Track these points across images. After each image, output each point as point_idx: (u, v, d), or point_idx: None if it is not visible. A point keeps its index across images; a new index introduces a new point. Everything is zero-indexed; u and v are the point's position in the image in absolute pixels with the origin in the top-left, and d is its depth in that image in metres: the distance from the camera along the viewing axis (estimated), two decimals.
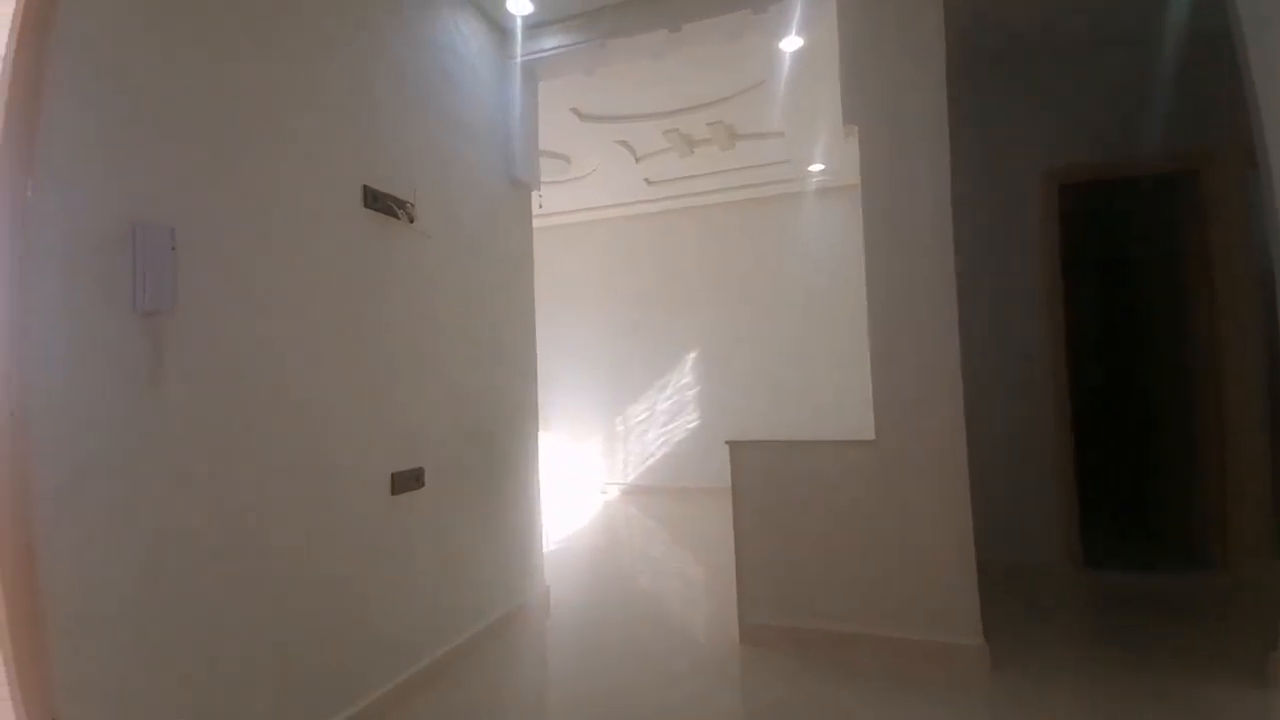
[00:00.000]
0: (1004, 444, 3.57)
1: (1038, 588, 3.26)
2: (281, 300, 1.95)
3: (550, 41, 3.17)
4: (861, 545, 2.59)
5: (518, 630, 2.98)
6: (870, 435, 2.61)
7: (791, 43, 3.39)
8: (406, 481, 2.40)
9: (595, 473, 6.89)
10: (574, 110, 4.39)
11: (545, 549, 3.46)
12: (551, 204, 6.28)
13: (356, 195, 2.26)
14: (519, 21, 3.12)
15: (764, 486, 2.77)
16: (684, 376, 6.65)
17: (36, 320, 1.35)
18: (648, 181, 5.87)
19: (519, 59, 3.22)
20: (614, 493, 6.73)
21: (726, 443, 2.86)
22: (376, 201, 2.32)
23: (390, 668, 2.28)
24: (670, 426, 6.63)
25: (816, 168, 5.57)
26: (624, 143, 5.01)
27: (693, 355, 6.62)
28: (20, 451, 1.26)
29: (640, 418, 6.76)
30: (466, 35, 2.96)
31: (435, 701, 2.31)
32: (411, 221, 2.47)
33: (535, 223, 6.72)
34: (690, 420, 6.61)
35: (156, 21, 1.64)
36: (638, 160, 5.31)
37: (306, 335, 2.03)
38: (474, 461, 2.84)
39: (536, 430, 3.39)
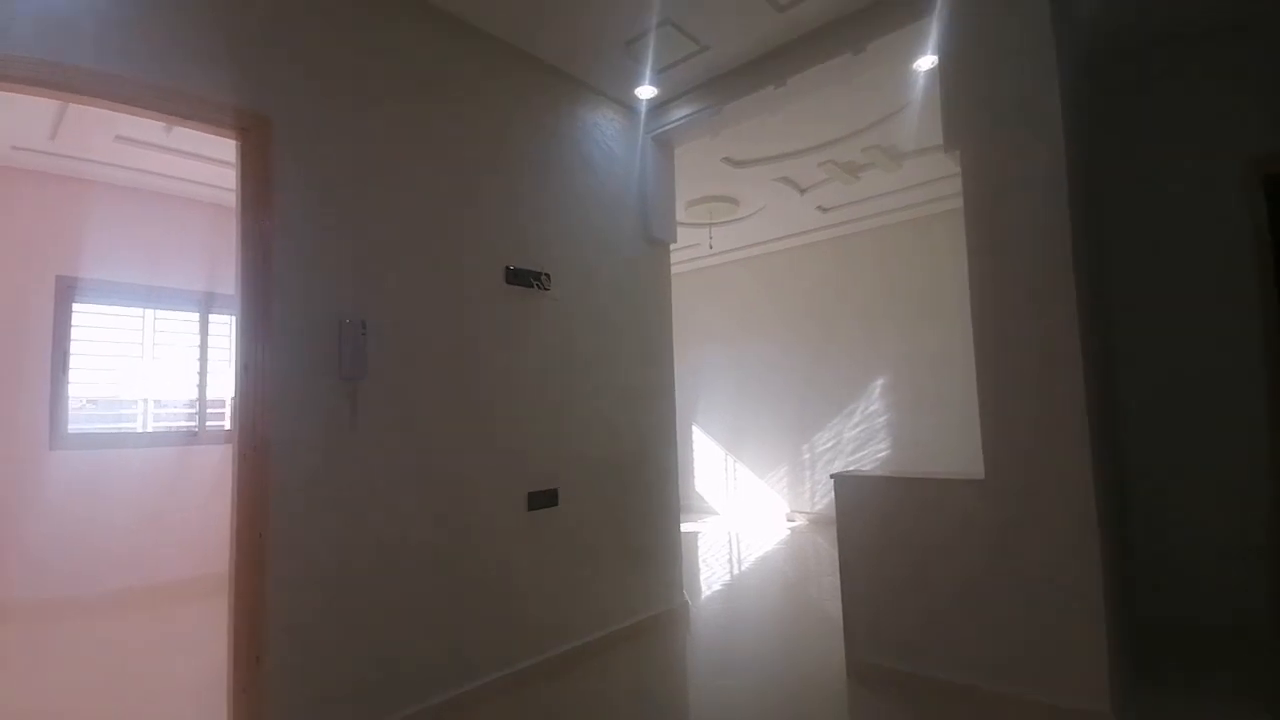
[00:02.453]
0: (1194, 484, 3.00)
1: (1217, 653, 2.69)
2: (439, 362, 2.64)
3: (676, 114, 3.59)
4: (966, 590, 2.47)
5: (647, 635, 3.35)
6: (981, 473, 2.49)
7: (925, 61, 3.32)
8: (541, 499, 2.95)
9: (782, 501, 6.96)
10: (726, 159, 4.72)
11: (706, 569, 3.76)
12: (727, 242, 6.64)
13: (500, 275, 2.91)
14: (644, 105, 3.59)
15: (867, 522, 2.77)
16: (872, 404, 6.43)
17: (274, 385, 2.14)
18: (821, 209, 5.91)
19: (649, 134, 3.69)
20: (800, 521, 6.73)
21: (831, 476, 2.92)
22: (516, 277, 2.95)
23: (526, 648, 2.82)
24: (858, 455, 6.44)
25: None
26: (785, 179, 5.18)
27: (880, 381, 6.38)
28: (260, 472, 2.03)
29: (826, 445, 6.69)
30: (602, 124, 3.52)
31: (564, 683, 2.79)
32: (545, 290, 3.06)
33: (713, 260, 7.16)
34: (880, 449, 6.36)
35: (355, 174, 2.42)
36: (803, 192, 5.42)
37: (458, 387, 2.70)
38: (607, 486, 3.31)
39: (674, 462, 3.75)
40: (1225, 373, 3.04)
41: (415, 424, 2.53)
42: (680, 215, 5.47)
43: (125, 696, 2.85)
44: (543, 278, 3.06)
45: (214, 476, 4.59)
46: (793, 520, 6.81)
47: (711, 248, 6.57)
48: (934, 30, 2.68)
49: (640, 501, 3.50)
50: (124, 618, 3.92)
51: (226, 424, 4.89)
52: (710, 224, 5.89)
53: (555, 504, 3.02)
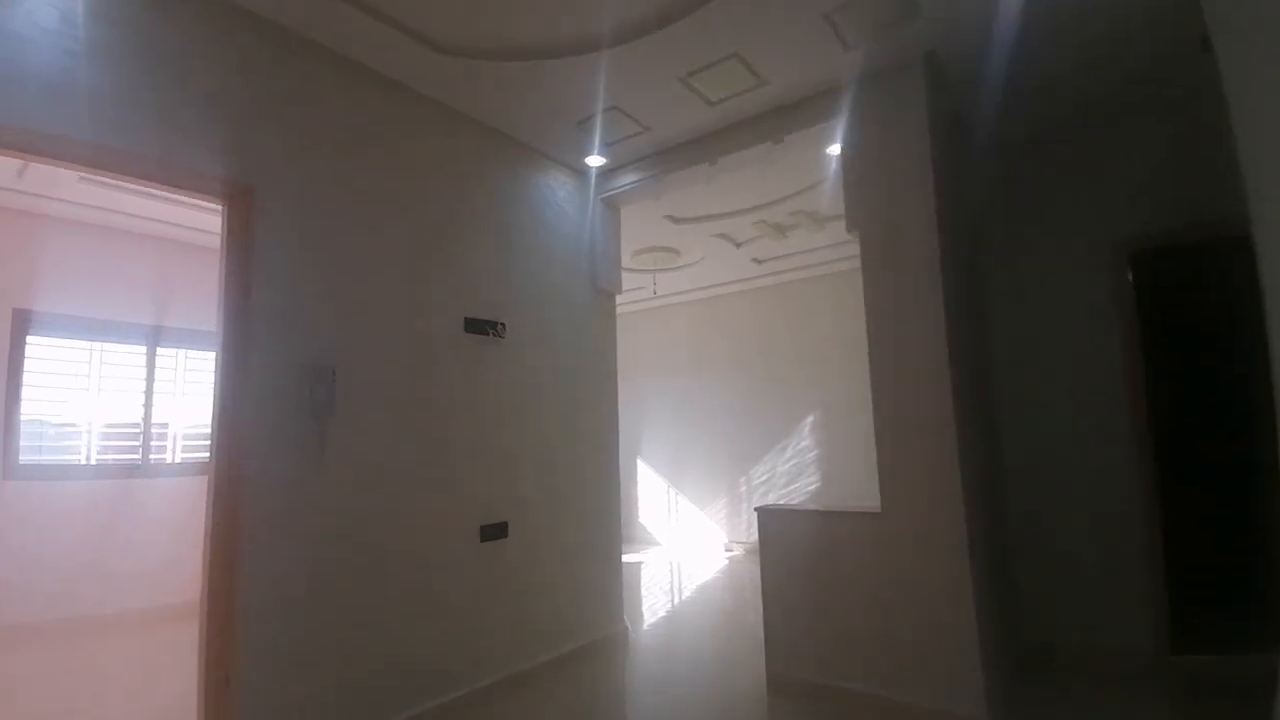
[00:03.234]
0: (1087, 521, 3.48)
1: (1102, 670, 3.16)
2: (400, 403, 2.89)
3: (622, 180, 3.99)
4: (868, 610, 2.85)
5: (590, 659, 3.60)
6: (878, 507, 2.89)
7: (836, 148, 3.83)
8: (492, 532, 3.21)
9: (720, 533, 7.32)
10: (669, 217, 5.15)
11: (649, 597, 4.03)
12: (671, 287, 7.08)
13: (459, 324, 3.20)
14: (594, 171, 3.99)
15: (786, 550, 3.15)
16: (803, 440, 6.90)
17: (250, 425, 2.36)
18: (755, 261, 6.41)
19: (599, 196, 4.08)
20: (738, 551, 7.09)
21: (755, 509, 3.28)
22: (474, 326, 3.25)
23: (476, 671, 3.04)
24: (790, 488, 6.88)
25: None
26: (723, 235, 5.66)
27: (810, 419, 6.87)
28: (232, 505, 2.24)
29: (762, 479, 7.11)
30: (555, 187, 3.89)
31: (510, 703, 3.01)
32: (500, 337, 3.36)
33: (657, 303, 7.58)
34: (810, 482, 6.81)
35: (328, 234, 2.69)
36: (738, 246, 5.91)
37: (418, 426, 2.95)
38: (554, 519, 3.59)
39: (616, 496, 4.06)
40: (1097, 429, 3.50)
41: (379, 461, 2.77)
42: (628, 261, 5.87)
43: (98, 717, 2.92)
44: (498, 326, 3.37)
45: (161, 508, 4.63)
46: (731, 550, 7.16)
47: (655, 292, 6.99)
48: (839, 130, 3.17)
49: (584, 534, 3.77)
50: (79, 645, 3.91)
51: (169, 457, 4.93)
52: (654, 270, 6.31)
53: (505, 535, 3.28)
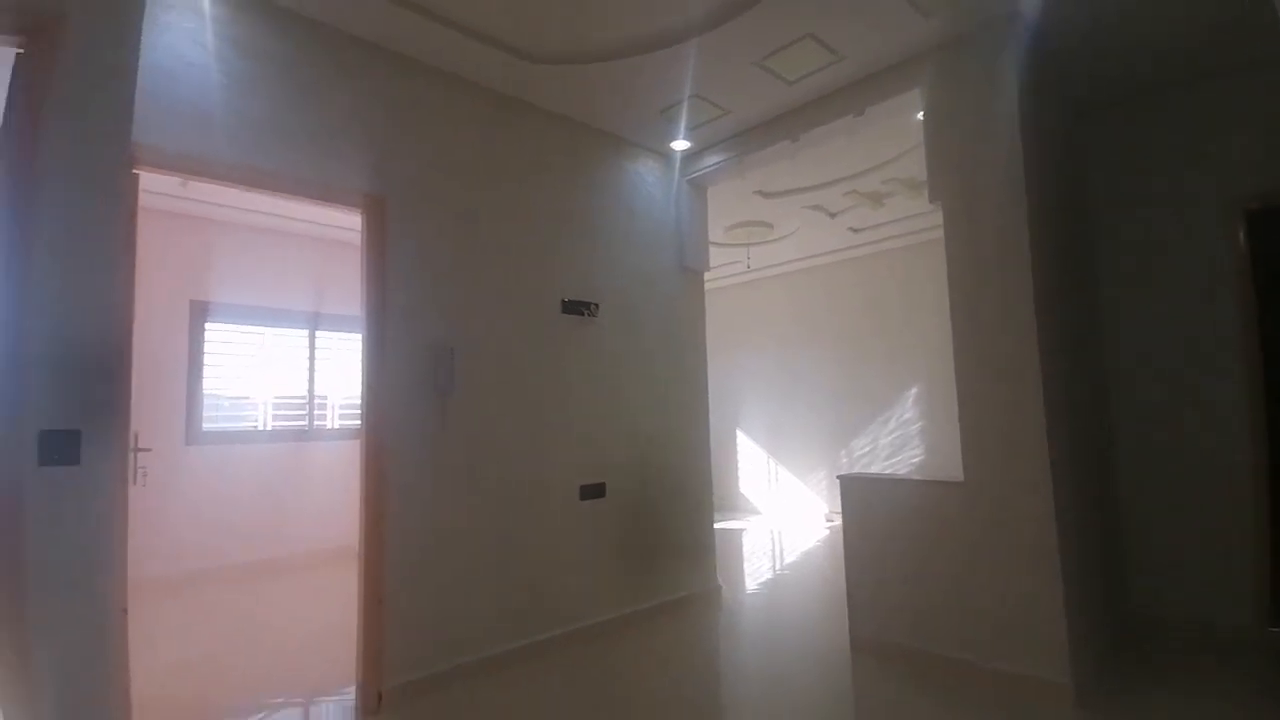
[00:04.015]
0: (1193, 494, 3.32)
1: (1201, 643, 3.06)
2: (507, 377, 3.29)
3: (707, 162, 4.15)
4: (950, 576, 2.92)
5: (682, 610, 3.90)
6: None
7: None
8: (590, 491, 3.57)
9: (821, 503, 7.38)
10: (759, 192, 5.23)
11: (747, 561, 4.26)
12: (765, 260, 7.12)
13: (557, 306, 3.54)
14: (678, 155, 4.17)
15: (868, 516, 3.26)
16: (906, 412, 6.78)
17: (388, 394, 2.83)
18: (852, 230, 6.33)
19: (684, 178, 4.27)
20: (839, 521, 7.12)
21: (838, 477, 3.41)
22: (570, 308, 3.58)
23: (576, 616, 3.43)
24: (893, 460, 6.80)
25: None
26: (816, 206, 5.64)
27: (914, 391, 6.73)
28: (379, 463, 2.72)
29: (864, 450, 7.07)
30: (643, 173, 4.12)
31: (603, 645, 3.39)
32: (594, 316, 3.67)
33: (753, 276, 7.61)
34: (914, 455, 6.70)
35: (446, 233, 3.10)
36: (833, 216, 5.87)
37: (522, 397, 3.34)
38: (647, 482, 3.89)
39: (707, 464, 4.30)
40: (1207, 400, 3.33)
41: (491, 428, 3.19)
42: (720, 237, 6.01)
43: (276, 639, 3.64)
44: (592, 306, 3.68)
45: (324, 467, 5.44)
46: (832, 521, 7.21)
47: (749, 266, 7.07)
48: (921, 98, 3.15)
49: (676, 497, 4.06)
50: (255, 585, 4.77)
51: (329, 423, 5.75)
52: (748, 244, 6.39)
53: (603, 495, 3.63)
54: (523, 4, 2.75)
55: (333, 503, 5.26)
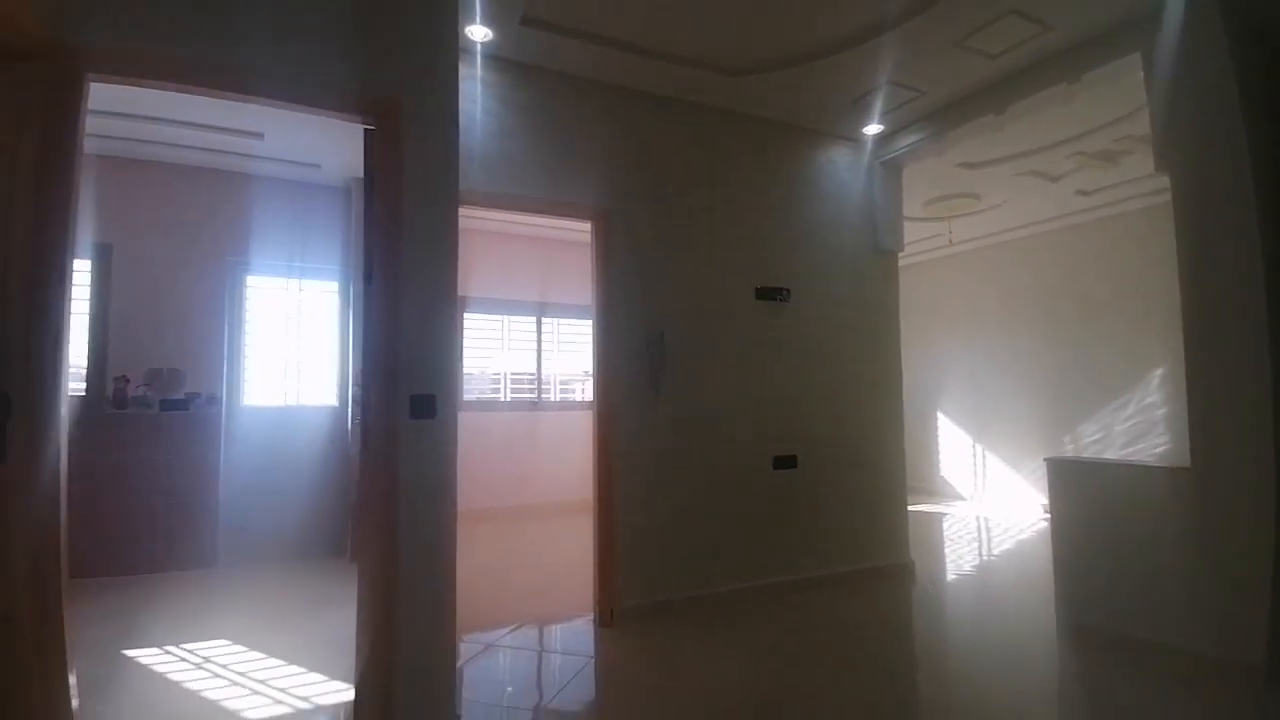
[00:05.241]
0: None
1: None
2: (709, 357, 3.72)
3: (901, 143, 4.17)
4: (1159, 561, 2.79)
5: (871, 581, 4.06)
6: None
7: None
8: (783, 462, 3.88)
9: (1036, 493, 6.86)
10: (963, 164, 5.03)
11: (945, 544, 4.30)
12: (969, 232, 6.72)
13: (752, 293, 3.88)
14: (870, 138, 4.23)
15: (1077, 500, 3.17)
16: (1149, 395, 6.05)
17: (611, 376, 3.40)
18: (1081, 193, 5.75)
19: (877, 160, 4.32)
20: None
21: (1045, 459, 3.34)
22: (764, 294, 3.90)
23: (767, 571, 3.79)
24: (1131, 449, 6.11)
25: None
26: (1034, 171, 5.26)
27: (1159, 372, 5.97)
28: (608, 428, 3.30)
29: (1094, 438, 6.43)
30: (834, 159, 4.27)
31: (791, 601, 3.70)
32: (786, 301, 3.95)
33: (955, 250, 7.23)
34: (1158, 443, 5.96)
35: (657, 234, 3.60)
36: (1055, 180, 5.41)
37: (721, 374, 3.75)
38: (838, 457, 4.10)
39: (900, 443, 4.37)
40: None
41: (695, 399, 3.66)
42: (919, 211, 5.84)
43: (528, 569, 4.52)
44: (784, 292, 3.96)
45: (550, 432, 6.40)
46: (1050, 513, 6.68)
47: (951, 241, 6.73)
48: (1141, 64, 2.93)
49: (868, 472, 4.21)
50: (507, 526, 5.83)
51: (552, 396, 6.71)
52: (949, 218, 6.11)
53: (795, 466, 3.92)
54: (728, 29, 3.09)
55: (559, 463, 6.18)
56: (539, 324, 6.68)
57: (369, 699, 2.16)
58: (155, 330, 4.42)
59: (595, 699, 2.71)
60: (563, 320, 6.76)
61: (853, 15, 3.01)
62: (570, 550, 4.63)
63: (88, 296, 4.26)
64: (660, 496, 3.50)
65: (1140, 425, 6.07)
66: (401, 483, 2.20)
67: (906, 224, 4.80)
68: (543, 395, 6.67)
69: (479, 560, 4.69)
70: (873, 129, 4.16)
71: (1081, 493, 3.16)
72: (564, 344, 6.82)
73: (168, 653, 2.97)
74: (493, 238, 6.37)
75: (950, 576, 4.39)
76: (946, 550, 5.16)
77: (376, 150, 2.36)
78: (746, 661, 2.93)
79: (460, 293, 5.86)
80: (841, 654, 3.04)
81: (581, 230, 3.74)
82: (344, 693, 2.50)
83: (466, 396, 6.28)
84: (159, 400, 4.30)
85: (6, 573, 1.74)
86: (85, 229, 4.12)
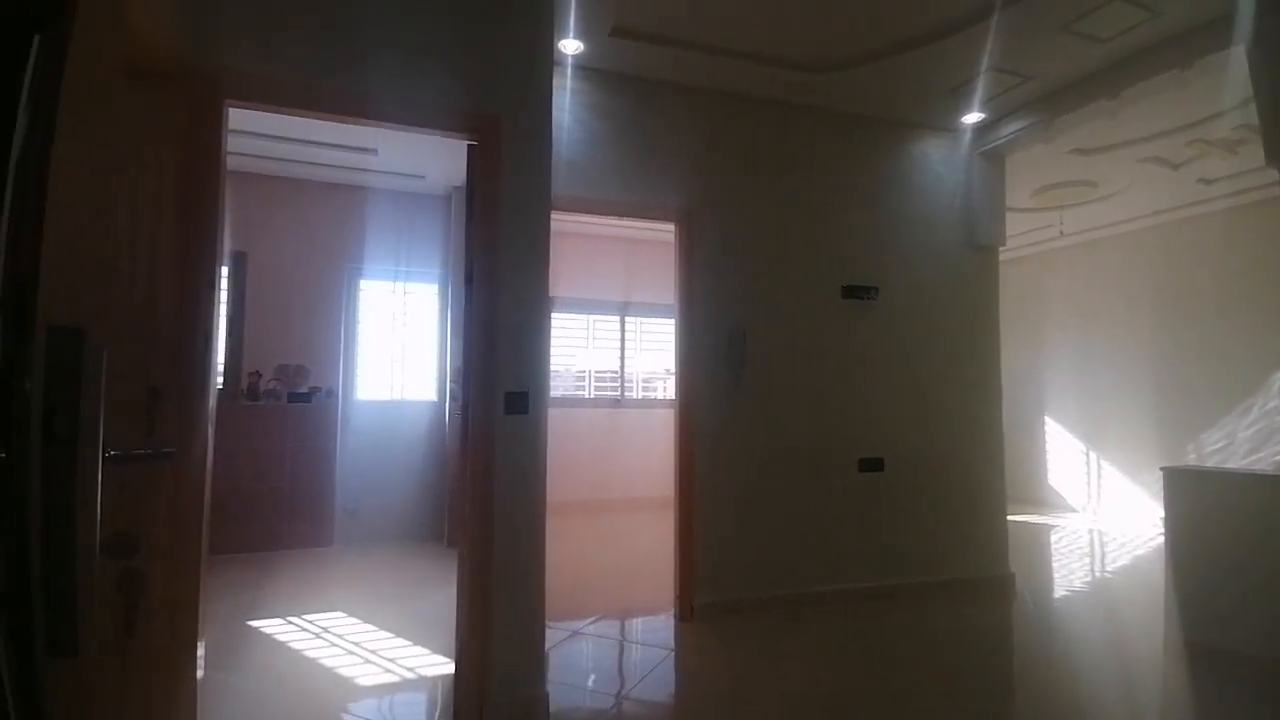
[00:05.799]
0: None
1: None
2: (791, 357, 3.71)
3: (1003, 131, 3.97)
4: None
5: (963, 592, 3.90)
6: None
7: None
8: (869, 465, 3.80)
9: (1156, 506, 6.31)
10: (1076, 150, 4.70)
11: (1051, 556, 4.08)
12: (1083, 223, 6.27)
13: (837, 292, 3.83)
14: (969, 128, 4.06)
15: (1189, 511, 2.94)
16: (1271, 399, 5.45)
17: (693, 374, 3.46)
18: (1203, 181, 5.26)
19: (977, 151, 4.13)
20: None
21: (1161, 468, 3.11)
22: (850, 293, 3.83)
23: (849, 577, 3.73)
24: (1254, 458, 5.53)
25: None
26: (1153, 158, 4.87)
27: None
28: (688, 426, 3.37)
29: (1217, 446, 5.86)
30: (927, 152, 4.12)
31: (874, 608, 3.62)
32: (873, 300, 3.86)
33: (1066, 243, 6.77)
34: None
35: (739, 232, 3.62)
36: (1175, 169, 4.98)
37: (805, 374, 3.72)
38: (930, 462, 3.96)
39: (1000, 450, 4.16)
40: None
41: (777, 399, 3.65)
42: (1025, 202, 5.52)
43: (612, 561, 4.66)
44: (871, 291, 3.87)
45: (632, 429, 6.53)
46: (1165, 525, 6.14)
47: (1062, 232, 6.30)
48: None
49: (963, 478, 4.04)
50: (592, 519, 6.01)
51: (635, 394, 6.84)
52: (1061, 208, 5.73)
53: (881, 470, 3.84)
54: (810, 26, 3.07)
55: (642, 459, 6.30)
56: (622, 323, 6.83)
57: (467, 672, 2.33)
58: (283, 330, 4.90)
59: (675, 690, 2.79)
60: (645, 319, 6.87)
61: (945, 7, 2.92)
62: (651, 545, 4.73)
63: (226, 300, 4.78)
64: (742, 495, 3.53)
65: (1263, 431, 5.49)
66: (497, 474, 2.36)
67: (1010, 216, 4.56)
68: (625, 393, 6.81)
69: (563, 552, 4.88)
70: (972, 118, 3.98)
71: (1197, 503, 2.93)
72: (647, 342, 6.93)
73: (290, 623, 3.30)
74: (576, 239, 6.56)
75: (1054, 591, 4.15)
76: (1052, 563, 4.86)
77: (478, 164, 2.53)
78: (826, 665, 2.92)
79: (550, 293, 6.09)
80: (925, 665, 2.96)
81: (664, 229, 3.82)
82: (445, 666, 2.71)
83: (553, 394, 6.52)
84: (286, 393, 4.76)
85: (148, 543, 1.99)
86: (224, 239, 4.71)
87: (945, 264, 4.12)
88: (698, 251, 3.54)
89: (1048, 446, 7.37)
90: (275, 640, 3.09)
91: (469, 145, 2.56)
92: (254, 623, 3.29)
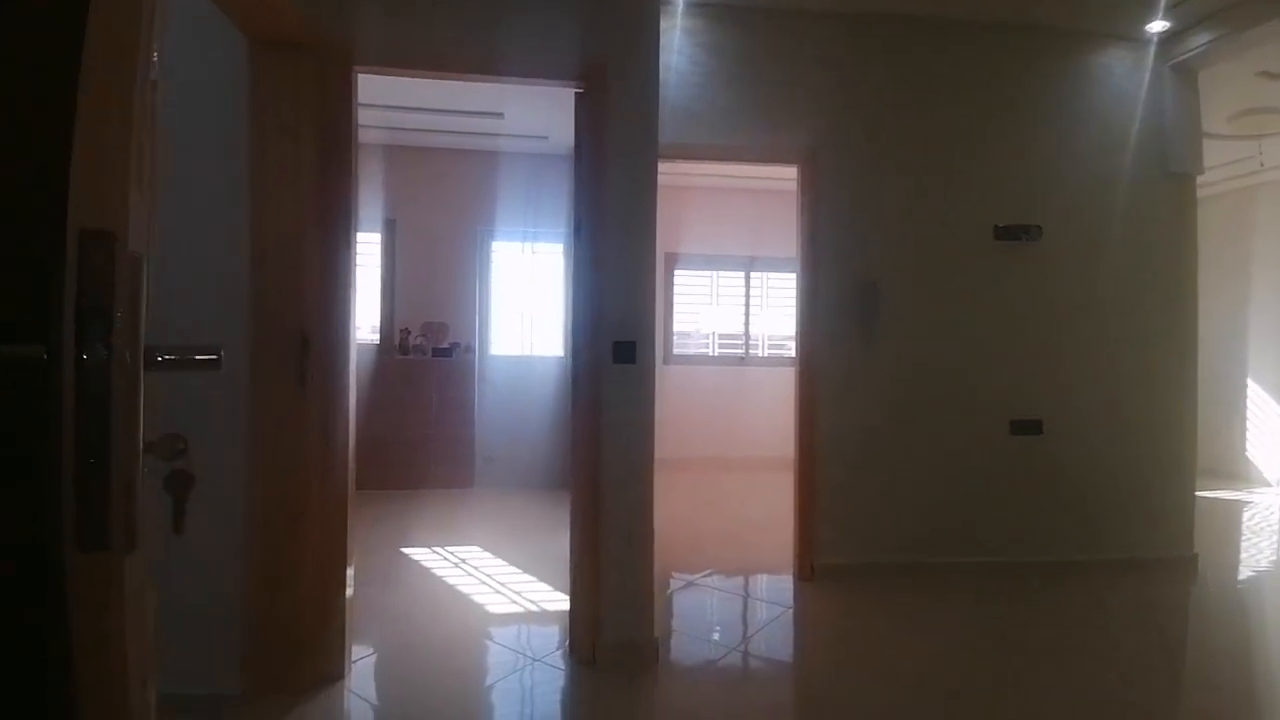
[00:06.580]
0: None
1: None
2: (932, 309, 3.39)
3: (1195, 41, 3.31)
4: None
5: (1136, 573, 3.43)
6: None
7: None
8: (1023, 427, 3.43)
9: None
10: (1263, 73, 3.81)
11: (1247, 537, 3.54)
12: None
13: (989, 233, 3.42)
14: (1154, 38, 3.40)
15: None
16: None
17: (815, 327, 3.28)
18: None
19: (1166, 64, 3.47)
20: None
21: None
22: (1005, 233, 3.41)
23: (996, 549, 3.41)
24: None
25: None
26: None
27: None
28: (810, 384, 3.22)
29: None
30: (1105, 64, 3.52)
31: (1027, 585, 3.29)
32: (1035, 241, 3.41)
33: (1264, 175, 5.59)
34: None
35: (867, 175, 3.35)
36: None
37: (947, 328, 3.40)
38: (1100, 426, 3.49)
39: (1193, 415, 3.58)
40: None
41: (914, 356, 3.38)
42: (1221, 128, 4.60)
43: (734, 519, 4.66)
44: (1032, 230, 3.42)
45: (756, 388, 6.41)
46: None
47: (1263, 164, 5.20)
48: None
49: (1139, 446, 3.52)
50: (713, 476, 6.03)
51: (760, 352, 6.67)
52: (1260, 136, 4.72)
53: (1039, 433, 3.44)
54: None
55: (765, 417, 6.16)
56: (747, 279, 6.63)
57: (579, 612, 2.44)
58: (428, 290, 5.32)
59: (792, 645, 2.74)
60: (772, 274, 6.62)
61: None
62: (773, 505, 4.63)
63: (378, 264, 5.24)
64: (870, 456, 3.34)
65: None
66: (605, 421, 2.40)
67: (1206, 143, 3.81)
68: (750, 350, 6.66)
69: (682, 506, 4.93)
70: (1157, 25, 3.34)
71: None
72: (773, 298, 6.69)
73: (435, 552, 3.64)
74: (702, 192, 6.42)
75: (1242, 574, 3.56)
76: (1242, 544, 4.17)
77: (584, 111, 2.52)
78: (960, 643, 2.71)
79: (671, 249, 6.05)
80: (1075, 649, 2.65)
81: (790, 177, 3.60)
82: (564, 603, 2.85)
83: (678, 351, 6.52)
84: (431, 348, 5.18)
85: (301, 479, 2.23)
86: (376, 206, 5.14)
87: (1128, 197, 3.53)
88: (823, 194, 3.31)
89: (1249, 414, 6.26)
90: (422, 566, 3.44)
91: (576, 93, 2.55)
92: (405, 550, 3.67)
